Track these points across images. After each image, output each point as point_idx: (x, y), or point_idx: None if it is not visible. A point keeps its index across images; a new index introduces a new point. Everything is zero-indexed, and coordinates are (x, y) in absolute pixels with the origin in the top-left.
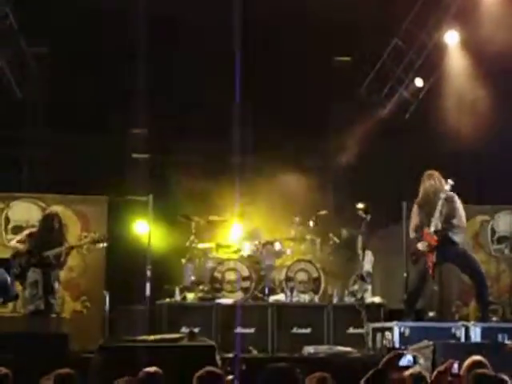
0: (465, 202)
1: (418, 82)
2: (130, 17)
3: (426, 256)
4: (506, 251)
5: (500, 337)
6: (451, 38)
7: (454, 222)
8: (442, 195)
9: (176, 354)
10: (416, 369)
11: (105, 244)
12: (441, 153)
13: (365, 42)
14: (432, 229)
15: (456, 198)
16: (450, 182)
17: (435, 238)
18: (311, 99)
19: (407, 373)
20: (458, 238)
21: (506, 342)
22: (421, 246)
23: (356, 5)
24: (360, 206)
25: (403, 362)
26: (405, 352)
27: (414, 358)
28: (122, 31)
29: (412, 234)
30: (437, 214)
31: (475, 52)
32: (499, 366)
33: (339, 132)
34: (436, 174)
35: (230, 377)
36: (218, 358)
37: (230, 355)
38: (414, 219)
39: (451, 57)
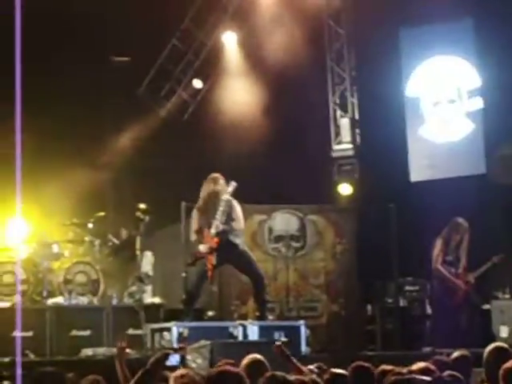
0: (244, 201)
1: (197, 83)
2: None
3: (206, 258)
4: (283, 250)
5: (277, 335)
6: (229, 38)
7: (234, 224)
8: (224, 198)
9: None
10: (184, 370)
11: None
12: (219, 153)
13: (143, 42)
14: (213, 231)
15: (235, 202)
16: (233, 184)
17: (216, 239)
18: (90, 99)
19: (176, 373)
20: (237, 239)
21: (283, 339)
22: (202, 248)
23: (134, 4)
24: (139, 206)
25: (171, 361)
26: (171, 352)
27: (182, 357)
28: None
29: (193, 237)
30: (218, 216)
31: (252, 53)
32: (276, 364)
33: (118, 132)
34: (218, 177)
35: (6, 382)
36: None
37: (7, 359)
38: (195, 224)
39: (229, 58)
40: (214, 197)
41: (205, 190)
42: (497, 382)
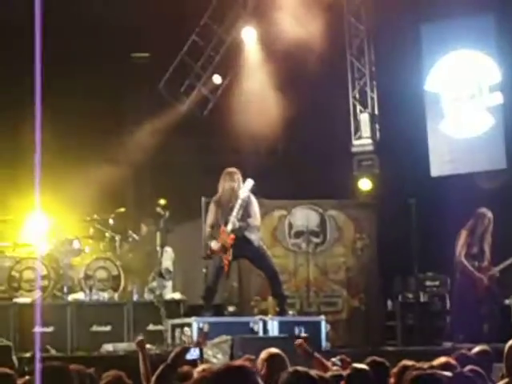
0: (263, 197)
1: (216, 79)
2: None
3: (222, 254)
4: (303, 245)
5: (297, 330)
6: (248, 34)
7: (250, 220)
8: (241, 195)
9: None
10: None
11: None
12: (239, 149)
13: (163, 38)
14: (229, 228)
15: (253, 198)
16: (250, 181)
17: (232, 236)
18: (110, 95)
19: (198, 368)
20: (252, 235)
21: (303, 334)
22: (214, 245)
23: (154, 0)
24: (160, 202)
25: (191, 355)
26: (191, 346)
27: (201, 351)
28: None
29: (207, 230)
30: (234, 212)
31: (271, 49)
32: (295, 359)
33: (139, 127)
34: (234, 171)
35: (28, 377)
36: (14, 358)
37: (28, 355)
38: (210, 217)
39: (248, 53)
40: (231, 191)
41: (221, 185)
42: None
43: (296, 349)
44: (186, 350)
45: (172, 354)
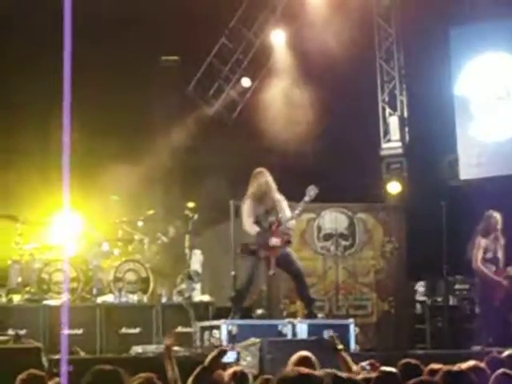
0: (293, 200)
1: (245, 82)
2: None
3: (269, 250)
4: (332, 248)
5: (325, 333)
6: (277, 37)
7: (271, 220)
8: (277, 196)
9: (1, 357)
10: (239, 366)
11: None
12: (268, 152)
13: (192, 41)
14: (290, 225)
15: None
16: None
17: (289, 234)
18: (140, 97)
19: (229, 370)
20: None
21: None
22: (275, 241)
23: (184, 3)
24: (188, 205)
25: (227, 358)
26: (228, 349)
27: (238, 354)
28: None
29: (251, 226)
30: (286, 212)
31: (300, 51)
32: (325, 362)
33: (168, 130)
34: (266, 172)
35: (58, 379)
36: (44, 359)
37: (57, 357)
38: (252, 213)
39: (277, 57)
40: (267, 190)
41: (256, 183)
42: None
43: (327, 342)
44: (223, 352)
45: (209, 357)
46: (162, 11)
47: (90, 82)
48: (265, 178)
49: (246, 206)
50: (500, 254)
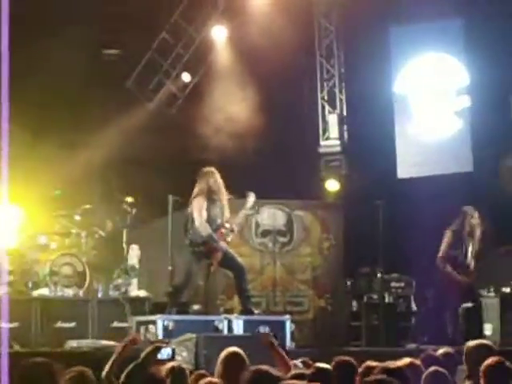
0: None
1: (186, 77)
2: None
3: (214, 253)
4: (270, 245)
5: (261, 329)
6: (218, 34)
7: (219, 221)
8: (225, 196)
9: None
10: (176, 362)
11: None
12: (207, 147)
13: (133, 35)
14: (236, 228)
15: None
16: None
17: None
18: (79, 91)
19: (167, 366)
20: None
21: (267, 332)
22: (221, 244)
23: None
24: (127, 199)
25: (162, 355)
26: (163, 345)
27: (173, 350)
28: None
29: (207, 229)
30: (226, 212)
31: (241, 48)
32: (260, 358)
33: (107, 124)
34: (215, 171)
35: None
36: None
37: None
38: (204, 211)
39: (218, 53)
40: (218, 190)
41: (207, 181)
42: (478, 379)
43: (261, 340)
44: (157, 349)
45: (143, 353)
46: (104, 5)
47: (30, 77)
48: (215, 177)
49: (198, 204)
50: (468, 252)
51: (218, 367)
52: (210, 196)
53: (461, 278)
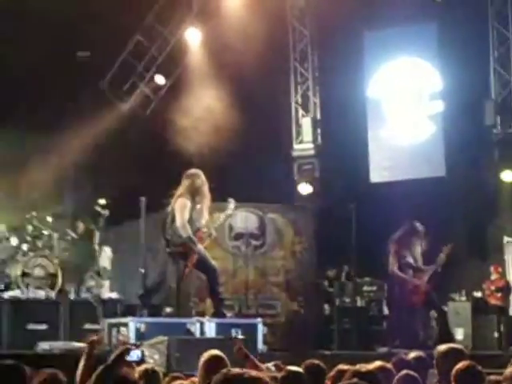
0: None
1: (159, 79)
2: None
3: (191, 254)
4: (243, 248)
5: (233, 332)
6: (193, 36)
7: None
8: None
9: None
10: (149, 364)
11: None
12: (181, 150)
13: (107, 37)
14: (214, 233)
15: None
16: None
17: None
18: (52, 93)
19: (140, 368)
20: None
21: (240, 336)
22: (200, 248)
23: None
24: (99, 201)
25: (132, 357)
26: (133, 347)
27: (142, 353)
28: None
29: (187, 231)
30: (206, 215)
31: (215, 51)
32: (232, 361)
33: (81, 126)
34: (201, 173)
35: None
36: None
37: None
38: (187, 214)
39: (192, 55)
40: (201, 191)
41: (191, 184)
42: (449, 383)
43: (234, 351)
44: (127, 351)
45: (112, 356)
46: (78, 7)
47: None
48: (202, 178)
49: (182, 204)
50: (418, 260)
51: (200, 370)
52: (194, 197)
53: (418, 281)
